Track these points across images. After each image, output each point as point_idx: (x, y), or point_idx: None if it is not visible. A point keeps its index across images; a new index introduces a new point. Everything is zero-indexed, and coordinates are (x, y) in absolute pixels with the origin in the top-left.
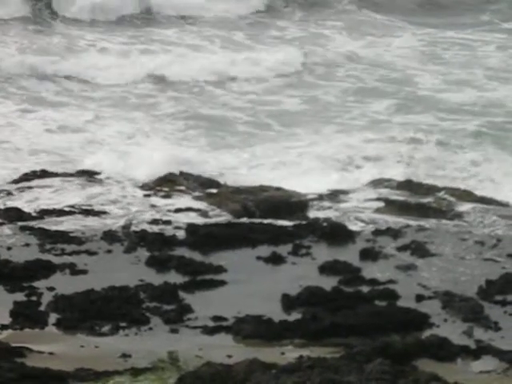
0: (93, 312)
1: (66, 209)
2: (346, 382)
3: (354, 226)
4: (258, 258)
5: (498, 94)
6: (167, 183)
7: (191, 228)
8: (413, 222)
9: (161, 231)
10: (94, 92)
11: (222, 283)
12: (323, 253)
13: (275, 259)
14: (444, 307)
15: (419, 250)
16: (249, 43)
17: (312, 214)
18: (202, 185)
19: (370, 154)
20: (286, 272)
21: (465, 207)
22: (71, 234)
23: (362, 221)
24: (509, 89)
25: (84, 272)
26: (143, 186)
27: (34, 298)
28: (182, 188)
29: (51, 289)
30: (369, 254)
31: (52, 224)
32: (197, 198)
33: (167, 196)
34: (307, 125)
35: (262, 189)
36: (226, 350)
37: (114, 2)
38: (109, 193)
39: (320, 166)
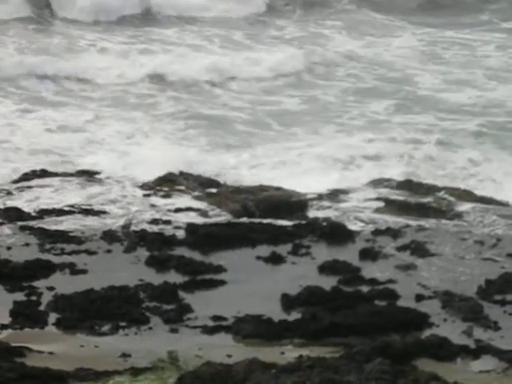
0: (92, 312)
1: (66, 208)
2: (346, 381)
3: (353, 226)
4: (258, 257)
5: (497, 94)
6: (167, 183)
7: (191, 228)
8: (413, 222)
9: (160, 231)
10: (94, 92)
11: (222, 283)
12: (323, 252)
13: (275, 259)
14: (444, 307)
15: (419, 249)
16: (249, 43)
17: (312, 213)
18: (201, 184)
19: (369, 153)
20: (286, 272)
21: (465, 207)
22: (71, 234)
23: (362, 221)
24: (509, 89)
25: (84, 272)
26: (143, 186)
27: (33, 298)
28: (182, 188)
29: (51, 288)
30: (368, 254)
31: (52, 224)
32: (197, 198)
33: (167, 196)
34: (307, 125)
35: (262, 189)
36: (226, 350)
37: (113, 2)
38: (108, 192)
39: (320, 165)
